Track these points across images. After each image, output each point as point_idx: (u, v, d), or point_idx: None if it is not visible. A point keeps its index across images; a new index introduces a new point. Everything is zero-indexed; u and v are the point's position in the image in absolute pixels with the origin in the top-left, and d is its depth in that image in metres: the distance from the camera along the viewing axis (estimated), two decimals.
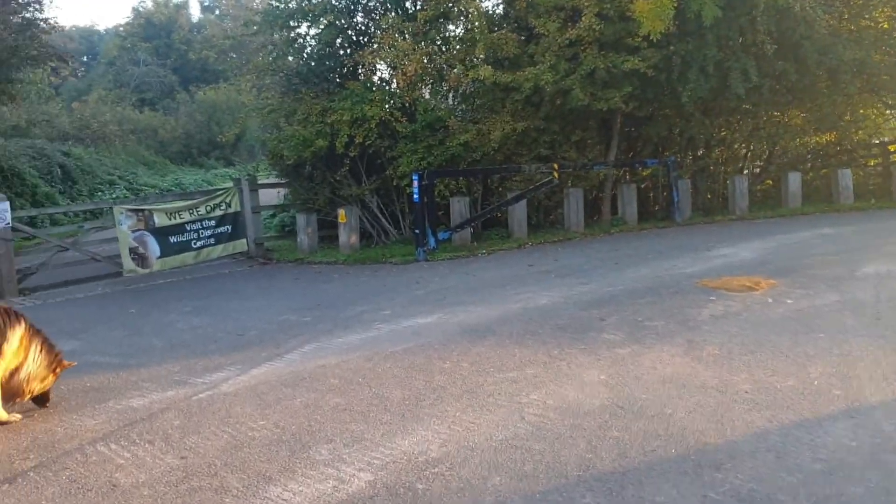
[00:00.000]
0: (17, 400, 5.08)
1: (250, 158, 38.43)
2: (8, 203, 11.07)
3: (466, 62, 13.47)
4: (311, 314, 8.22)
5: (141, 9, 51.41)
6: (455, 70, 13.60)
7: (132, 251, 11.83)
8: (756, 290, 7.99)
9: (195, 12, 63.13)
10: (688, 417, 4.52)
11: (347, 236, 13.23)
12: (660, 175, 16.13)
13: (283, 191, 16.28)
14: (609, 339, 6.35)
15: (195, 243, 12.65)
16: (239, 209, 13.31)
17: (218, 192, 13.50)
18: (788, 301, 7.41)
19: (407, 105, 13.87)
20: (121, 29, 52.16)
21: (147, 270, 11.98)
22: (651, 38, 12.04)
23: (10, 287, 10.96)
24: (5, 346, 4.82)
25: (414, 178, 12.04)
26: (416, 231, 12.13)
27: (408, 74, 13.08)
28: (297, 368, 6.03)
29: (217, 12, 58.47)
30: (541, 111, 13.72)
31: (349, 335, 7.11)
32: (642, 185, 16.45)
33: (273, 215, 17.18)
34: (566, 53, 13.10)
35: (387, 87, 14.43)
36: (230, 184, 15.08)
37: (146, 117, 38.88)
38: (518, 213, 13.68)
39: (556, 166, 13.42)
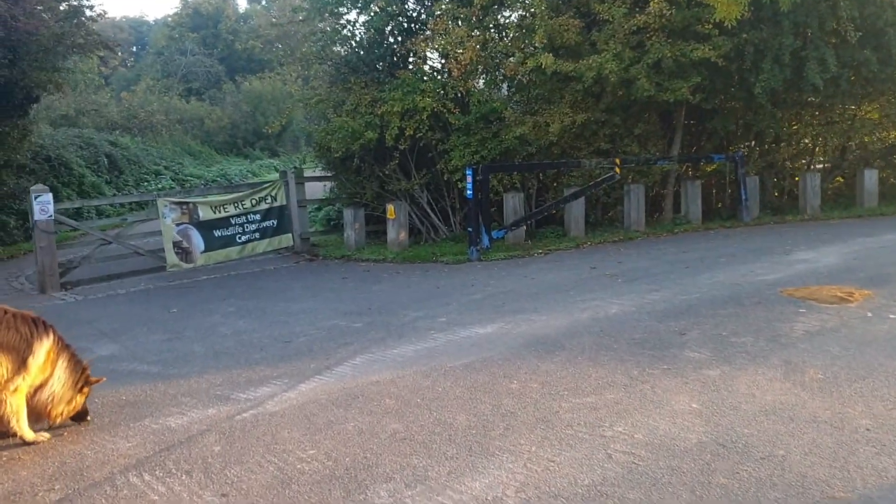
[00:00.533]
0: (49, 424, 4.62)
1: (294, 149, 38.17)
2: (51, 195, 10.78)
3: (525, 50, 12.76)
4: (362, 320, 7.67)
5: None
6: (512, 59, 12.91)
7: (176, 245, 11.49)
8: (850, 301, 7.22)
9: (242, 2, 63.40)
10: (804, 461, 3.86)
11: (396, 233, 12.68)
12: (727, 171, 15.23)
13: (328, 184, 15.80)
14: (694, 358, 5.68)
15: (240, 238, 12.26)
16: (285, 203, 12.87)
17: (263, 185, 13.11)
18: (891, 316, 6.64)
19: (460, 95, 13.24)
20: (169, 19, 52.44)
21: (191, 265, 11.63)
22: (725, 24, 11.21)
23: (52, 281, 10.68)
24: (31, 360, 4.34)
25: (468, 172, 11.40)
26: (470, 229, 11.49)
27: (462, 63, 12.44)
28: (349, 385, 5.48)
29: (263, 2, 58.41)
30: (601, 102, 12.98)
31: (403, 345, 6.54)
32: (703, 182, 15.56)
33: (318, 208, 16.73)
34: (631, 41, 12.34)
35: (439, 77, 13.79)
36: (276, 176, 14.65)
37: (192, 107, 38.82)
38: (575, 211, 12.98)
39: (617, 161, 12.66)
